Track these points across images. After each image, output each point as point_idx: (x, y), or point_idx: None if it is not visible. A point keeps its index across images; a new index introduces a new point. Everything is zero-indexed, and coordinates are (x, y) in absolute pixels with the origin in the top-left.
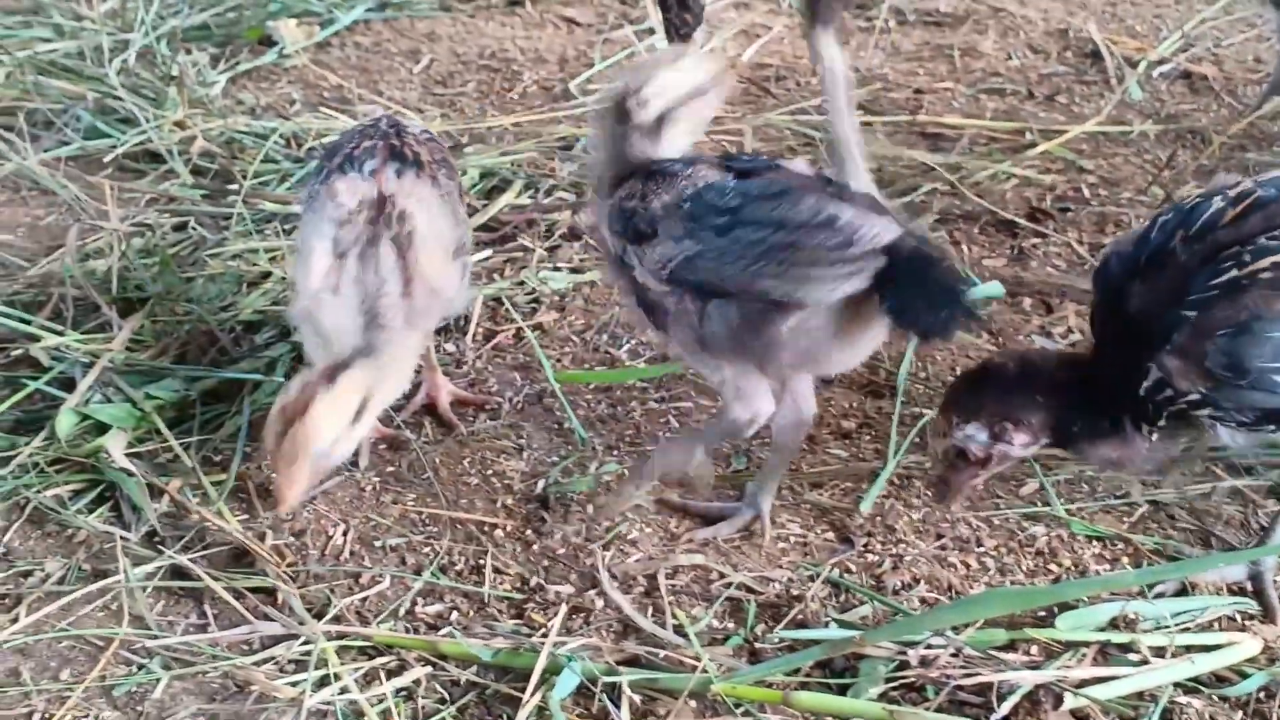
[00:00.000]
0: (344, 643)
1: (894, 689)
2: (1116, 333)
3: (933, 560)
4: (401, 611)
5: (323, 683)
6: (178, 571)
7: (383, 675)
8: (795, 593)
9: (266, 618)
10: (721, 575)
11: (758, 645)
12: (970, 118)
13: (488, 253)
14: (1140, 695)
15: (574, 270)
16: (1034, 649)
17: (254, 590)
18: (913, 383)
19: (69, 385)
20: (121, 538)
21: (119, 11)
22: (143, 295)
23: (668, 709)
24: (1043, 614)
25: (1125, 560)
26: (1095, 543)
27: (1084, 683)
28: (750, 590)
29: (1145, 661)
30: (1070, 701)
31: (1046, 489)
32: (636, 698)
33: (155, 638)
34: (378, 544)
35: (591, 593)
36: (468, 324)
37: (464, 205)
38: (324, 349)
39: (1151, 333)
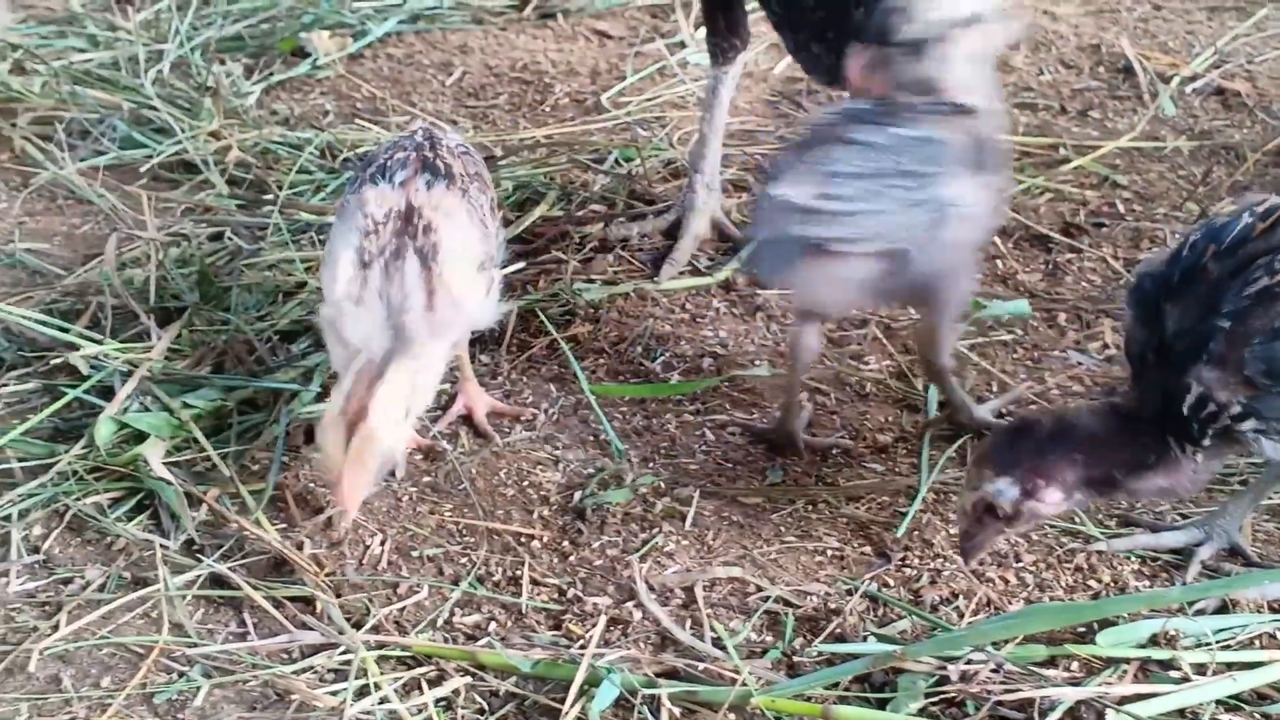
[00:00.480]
0: (383, 652)
1: (934, 704)
2: (1155, 353)
3: (970, 575)
4: (440, 622)
5: (362, 692)
6: (217, 580)
7: (423, 685)
8: (833, 606)
9: (305, 627)
10: (759, 588)
11: (796, 659)
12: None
13: (521, 264)
14: (1182, 713)
15: (608, 282)
16: (1074, 665)
17: (293, 599)
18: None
19: (107, 394)
20: (161, 546)
21: (154, 22)
22: (180, 305)
23: None
24: (1082, 630)
25: (1164, 577)
26: (1134, 559)
27: (1125, 699)
28: (788, 603)
29: (1187, 679)
30: (1112, 718)
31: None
32: (676, 710)
33: (195, 646)
34: (415, 554)
35: (629, 604)
36: (502, 336)
37: (498, 219)
38: (347, 358)
39: (1189, 348)
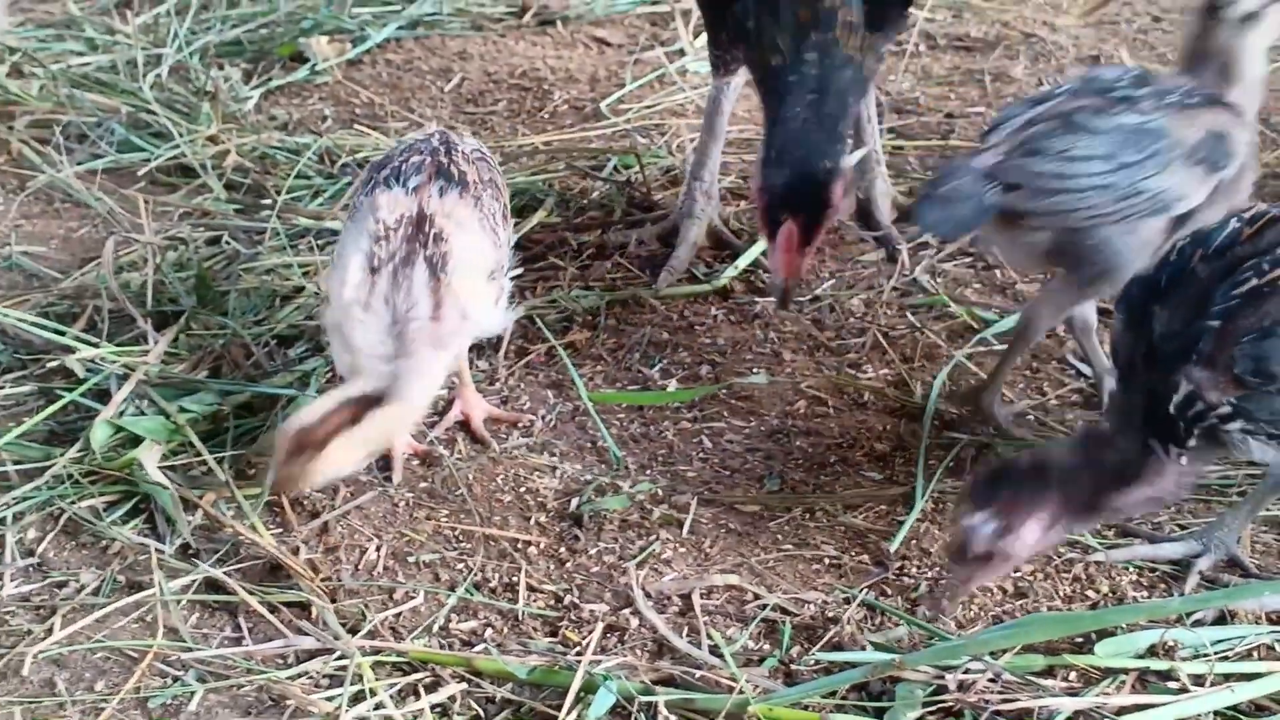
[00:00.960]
0: (379, 658)
1: (931, 713)
2: (1143, 357)
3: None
4: (435, 627)
5: (358, 698)
6: (212, 584)
7: (420, 690)
8: (831, 615)
9: (301, 632)
10: (756, 596)
11: (793, 667)
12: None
13: (519, 271)
14: None
15: (606, 289)
16: (1072, 675)
17: (288, 604)
18: (944, 404)
19: (103, 397)
20: (156, 550)
21: (152, 26)
22: (177, 309)
23: None
24: (1080, 640)
25: (1162, 588)
26: (1132, 569)
27: (1123, 710)
28: (785, 612)
29: (1185, 690)
30: None
31: None
32: (673, 717)
33: (190, 650)
34: (411, 560)
35: (626, 611)
36: (500, 342)
37: (509, 226)
38: (351, 363)
39: (1178, 349)
